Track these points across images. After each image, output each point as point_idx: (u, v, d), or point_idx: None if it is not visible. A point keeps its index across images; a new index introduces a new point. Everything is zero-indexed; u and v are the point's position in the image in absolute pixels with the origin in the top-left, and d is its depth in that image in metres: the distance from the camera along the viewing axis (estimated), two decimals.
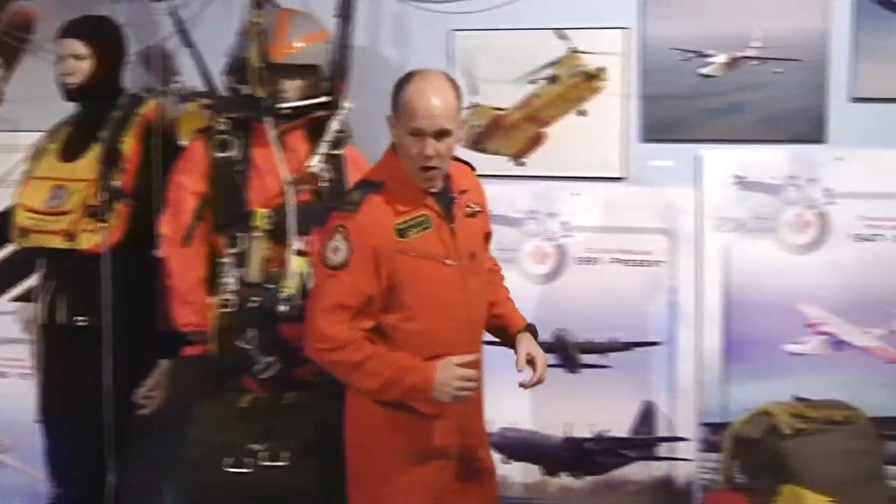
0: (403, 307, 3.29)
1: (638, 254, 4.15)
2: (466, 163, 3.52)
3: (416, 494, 3.35)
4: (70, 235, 3.96)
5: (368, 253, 3.22)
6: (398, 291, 3.27)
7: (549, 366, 3.54)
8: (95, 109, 4.05)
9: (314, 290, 3.40)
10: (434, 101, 3.18)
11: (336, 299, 3.25)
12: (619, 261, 4.18)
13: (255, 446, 3.65)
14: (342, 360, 3.27)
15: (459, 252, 3.32)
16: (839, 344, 4.06)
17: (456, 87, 3.29)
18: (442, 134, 3.19)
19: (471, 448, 3.45)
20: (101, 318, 3.93)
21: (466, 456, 3.44)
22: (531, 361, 3.43)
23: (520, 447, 4.29)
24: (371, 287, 3.24)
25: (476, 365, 3.32)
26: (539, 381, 3.44)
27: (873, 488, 3.57)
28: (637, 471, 4.15)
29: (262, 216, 3.82)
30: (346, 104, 3.88)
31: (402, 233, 3.26)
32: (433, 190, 3.29)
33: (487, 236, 3.55)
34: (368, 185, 3.33)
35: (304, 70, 3.85)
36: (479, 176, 3.57)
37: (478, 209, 3.44)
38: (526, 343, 3.47)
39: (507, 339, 3.53)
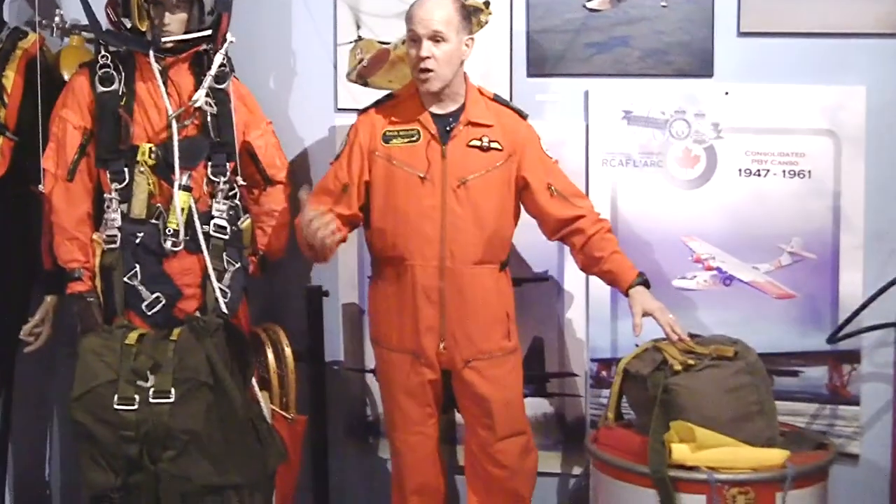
0: (371, 205, 3.70)
1: None
2: (518, 111, 3.81)
3: (394, 376, 3.80)
4: None
5: (356, 148, 3.72)
6: (370, 190, 3.71)
7: None
8: None
9: None
10: (429, 7, 3.57)
11: (323, 183, 3.80)
12: None
13: (143, 383, 3.61)
14: (297, 223, 3.68)
15: (445, 173, 3.64)
16: (728, 279, 4.08)
17: (457, 3, 3.63)
18: (436, 38, 3.55)
19: (453, 363, 3.75)
20: None
21: (450, 371, 3.78)
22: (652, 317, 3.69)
23: None
24: (349, 177, 3.71)
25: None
26: (676, 334, 3.67)
27: (762, 423, 3.57)
28: (527, 406, 4.11)
29: (146, 151, 3.80)
30: (230, 37, 3.85)
31: (386, 139, 3.70)
32: (430, 90, 3.62)
33: (538, 184, 3.75)
34: (387, 96, 3.82)
35: (187, 3, 3.79)
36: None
37: (496, 147, 3.69)
38: (638, 300, 3.69)
39: (622, 293, 3.78)
